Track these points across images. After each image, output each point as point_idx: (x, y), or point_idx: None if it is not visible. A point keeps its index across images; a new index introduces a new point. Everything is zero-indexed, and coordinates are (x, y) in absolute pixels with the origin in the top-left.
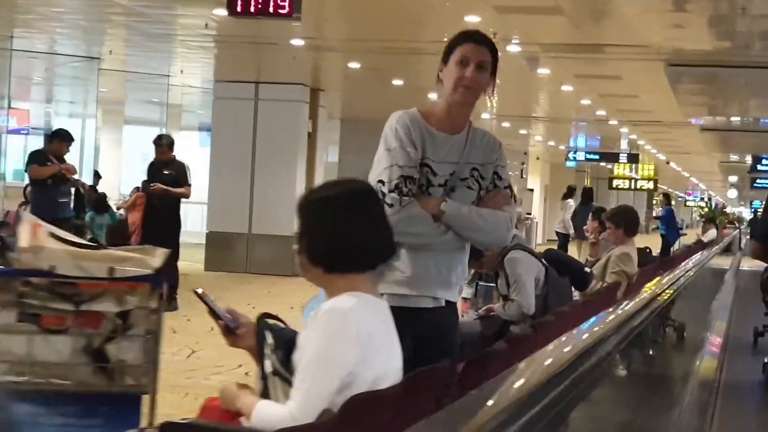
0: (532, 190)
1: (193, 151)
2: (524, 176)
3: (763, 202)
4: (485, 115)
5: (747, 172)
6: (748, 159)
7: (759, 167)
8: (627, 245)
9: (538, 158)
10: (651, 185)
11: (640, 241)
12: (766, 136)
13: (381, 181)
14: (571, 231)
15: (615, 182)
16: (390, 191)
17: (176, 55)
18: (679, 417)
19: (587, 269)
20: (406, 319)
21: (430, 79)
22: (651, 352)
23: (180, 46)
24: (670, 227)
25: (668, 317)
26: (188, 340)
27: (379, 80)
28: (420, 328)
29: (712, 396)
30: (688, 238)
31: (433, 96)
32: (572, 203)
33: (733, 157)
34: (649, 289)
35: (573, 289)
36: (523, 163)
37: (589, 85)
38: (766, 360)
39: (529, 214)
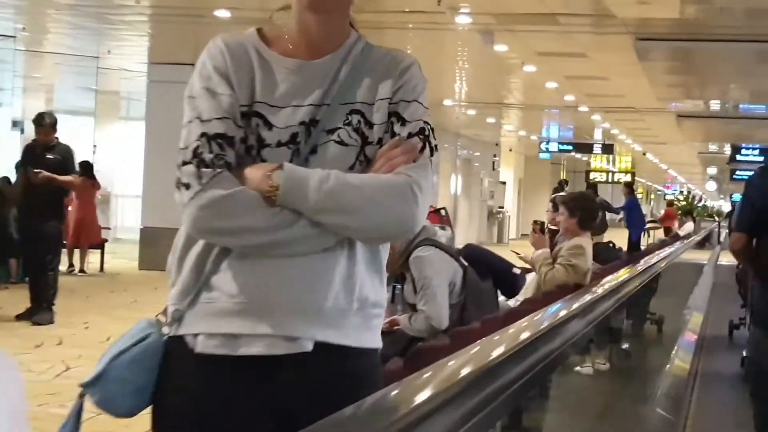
0: (504, 183)
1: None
2: (496, 168)
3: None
4: (447, 101)
5: (726, 163)
6: (728, 149)
7: (738, 157)
8: (582, 238)
9: (511, 150)
10: (629, 178)
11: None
12: (747, 124)
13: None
14: None
15: (592, 175)
16: (185, 162)
17: (104, 34)
18: (654, 411)
19: (516, 270)
20: (246, 379)
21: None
22: (626, 347)
23: (106, 24)
24: (633, 220)
25: (647, 311)
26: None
27: None
28: (280, 398)
29: (687, 389)
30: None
31: None
32: (562, 194)
33: (712, 147)
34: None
35: (500, 294)
36: (495, 155)
37: (552, 64)
38: (744, 354)
39: (502, 207)
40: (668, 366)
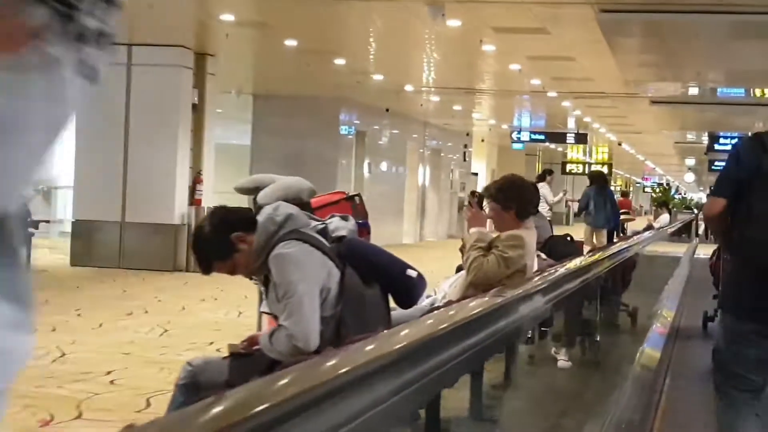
0: (476, 174)
1: None
2: (467, 159)
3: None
4: (408, 87)
5: (704, 153)
6: (705, 139)
7: (717, 147)
8: (525, 228)
9: (483, 140)
10: (605, 170)
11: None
12: (725, 110)
13: None
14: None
15: (568, 167)
16: None
17: None
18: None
19: (412, 272)
20: None
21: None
22: (597, 338)
23: None
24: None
25: (621, 302)
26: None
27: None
28: None
29: (658, 382)
30: (638, 224)
31: (378, 77)
32: (545, 187)
33: (689, 137)
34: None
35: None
36: (465, 146)
37: (512, 43)
38: (714, 346)
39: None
40: (639, 357)
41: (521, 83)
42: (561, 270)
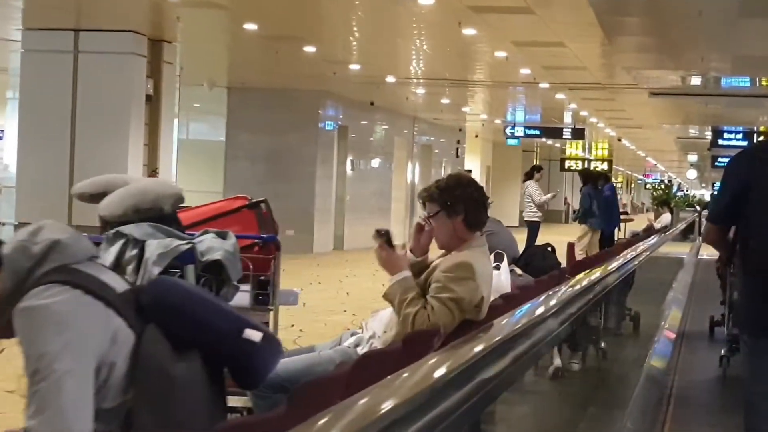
0: (470, 171)
1: None
2: (460, 156)
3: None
4: (390, 78)
5: (707, 149)
6: (708, 134)
7: (720, 142)
8: (473, 248)
9: (477, 136)
10: (606, 166)
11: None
12: (730, 103)
13: None
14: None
15: (567, 163)
16: None
17: None
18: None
19: (252, 335)
20: None
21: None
22: (603, 345)
23: None
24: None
25: (625, 307)
26: None
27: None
28: None
29: (665, 391)
30: (638, 224)
31: (355, 68)
32: (533, 185)
33: (692, 131)
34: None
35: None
36: (458, 141)
37: (495, 26)
38: (723, 352)
39: None
40: (644, 366)
41: (510, 73)
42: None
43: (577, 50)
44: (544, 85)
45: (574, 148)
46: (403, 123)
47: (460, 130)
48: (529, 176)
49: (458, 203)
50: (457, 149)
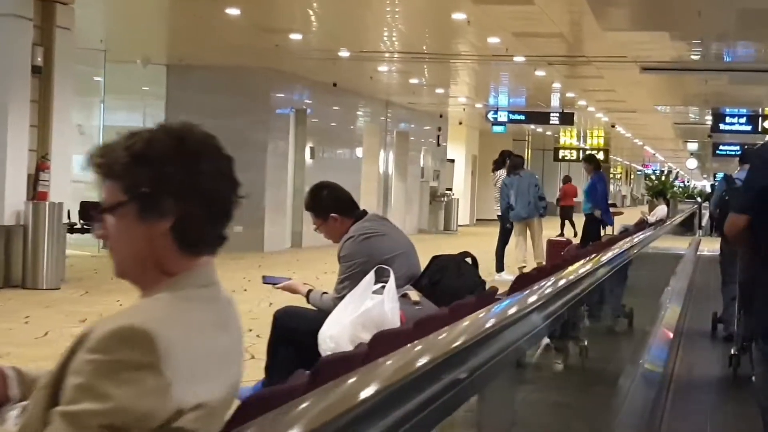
0: (453, 161)
1: None
2: (441, 144)
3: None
4: (344, 52)
5: (707, 135)
6: (709, 118)
7: (722, 126)
8: (177, 291)
9: (461, 123)
10: (602, 156)
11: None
12: (733, 79)
13: None
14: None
15: (561, 153)
16: None
17: None
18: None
19: None
20: None
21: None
22: (585, 343)
23: None
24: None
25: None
26: None
27: None
28: None
29: (662, 391)
30: (630, 217)
31: (295, 36)
32: (504, 174)
33: (691, 116)
34: None
35: None
36: (439, 129)
37: None
38: (733, 351)
39: (449, 190)
40: (639, 366)
41: (478, 44)
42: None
43: (551, 13)
44: (519, 58)
45: (568, 137)
46: (375, 107)
47: (441, 116)
48: (499, 165)
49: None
50: (438, 137)
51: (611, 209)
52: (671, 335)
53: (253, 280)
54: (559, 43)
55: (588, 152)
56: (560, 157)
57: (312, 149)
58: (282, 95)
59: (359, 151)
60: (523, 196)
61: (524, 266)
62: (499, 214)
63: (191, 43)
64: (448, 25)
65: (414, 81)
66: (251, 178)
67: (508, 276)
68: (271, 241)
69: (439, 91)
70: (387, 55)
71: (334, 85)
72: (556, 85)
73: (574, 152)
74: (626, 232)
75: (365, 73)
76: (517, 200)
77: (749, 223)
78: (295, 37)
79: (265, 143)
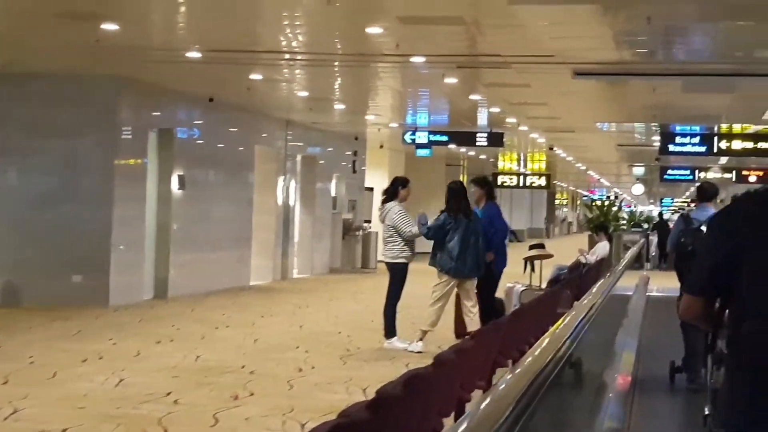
0: (371, 189)
1: None
2: (358, 170)
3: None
4: (194, 53)
5: (655, 158)
6: (657, 139)
7: (672, 147)
8: None
9: (381, 146)
10: (543, 182)
11: None
12: (688, 85)
13: None
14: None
15: (501, 179)
16: None
17: None
18: None
19: None
20: None
21: None
22: None
23: None
24: (494, 241)
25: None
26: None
27: None
28: None
29: None
30: (562, 254)
31: (110, 27)
32: (397, 209)
33: (637, 136)
34: None
35: None
36: (355, 152)
37: None
38: (706, 411)
39: (368, 222)
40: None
41: (355, 37)
42: None
43: None
44: (417, 59)
45: (508, 162)
46: (270, 127)
47: (356, 138)
48: (390, 195)
49: None
50: (354, 162)
51: (538, 250)
52: (627, 386)
53: (49, 358)
54: (462, 35)
55: (480, 175)
56: (500, 183)
57: (181, 177)
58: (138, 110)
59: (250, 179)
60: (468, 245)
61: (431, 331)
62: (390, 260)
63: (15, 46)
64: (320, 14)
65: (302, 93)
66: (96, 213)
67: (401, 344)
68: (120, 293)
69: (339, 107)
70: (254, 56)
71: (210, 100)
72: (475, 97)
73: (515, 178)
74: (556, 287)
75: (246, 83)
76: (461, 249)
77: (706, 309)
78: (110, 27)
79: (113, 169)
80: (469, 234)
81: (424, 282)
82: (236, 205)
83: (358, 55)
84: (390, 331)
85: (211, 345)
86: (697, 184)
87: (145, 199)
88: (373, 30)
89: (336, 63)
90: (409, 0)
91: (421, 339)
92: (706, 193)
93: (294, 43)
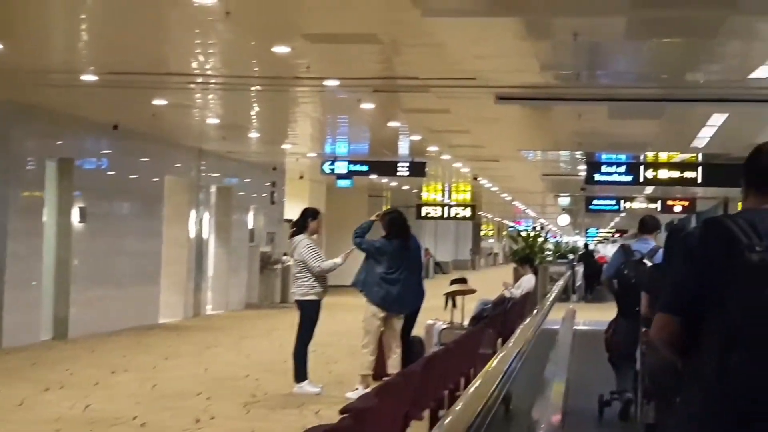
0: (290, 221)
1: None
2: (276, 201)
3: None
4: (90, 76)
5: (580, 188)
6: (582, 168)
7: (597, 177)
8: None
9: (302, 177)
10: (468, 213)
11: None
12: (614, 111)
13: None
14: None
15: (425, 210)
16: None
17: None
18: None
19: None
20: None
21: None
22: None
23: None
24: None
25: None
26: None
27: None
28: None
29: None
30: (488, 286)
31: None
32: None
33: (562, 165)
34: None
35: None
36: (273, 183)
37: None
38: None
39: (287, 255)
40: None
41: (262, 57)
42: None
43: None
44: (331, 82)
45: (432, 193)
46: (182, 156)
47: (274, 168)
48: (300, 227)
49: None
50: (272, 193)
51: (460, 285)
52: (556, 421)
53: None
54: (377, 55)
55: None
56: (423, 214)
57: (83, 210)
58: (34, 139)
59: (160, 211)
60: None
61: (371, 375)
62: (300, 297)
63: None
64: (217, 29)
65: (213, 120)
66: None
67: (312, 388)
68: (15, 333)
69: (254, 135)
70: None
71: (115, 127)
72: (394, 123)
73: (439, 209)
74: (478, 326)
75: (150, 109)
76: (394, 281)
77: (680, 330)
78: None
79: (7, 202)
80: (406, 264)
81: (342, 316)
82: (144, 239)
83: (268, 78)
84: (300, 374)
85: (103, 392)
86: (640, 219)
87: (43, 233)
88: (280, 49)
89: (247, 87)
90: (316, 16)
91: (367, 386)
92: (647, 225)
93: (197, 65)
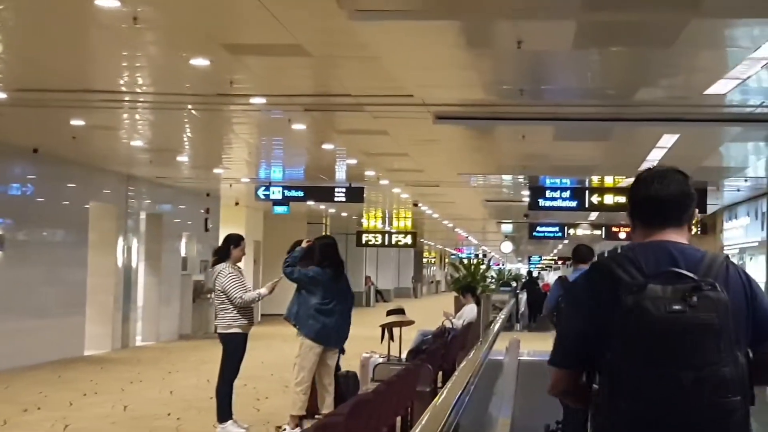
0: None
1: None
2: (210, 228)
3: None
4: None
5: (524, 215)
6: (526, 193)
7: (542, 203)
8: None
9: (237, 203)
10: (410, 240)
11: None
12: (560, 133)
13: None
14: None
15: (365, 237)
16: None
17: None
18: None
19: None
20: None
21: None
22: None
23: None
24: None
25: None
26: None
27: None
28: None
29: None
30: (429, 315)
31: None
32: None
33: (505, 190)
34: None
35: None
36: (207, 210)
37: None
38: None
39: None
40: None
41: (183, 71)
42: None
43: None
44: (258, 100)
45: (373, 220)
46: (108, 181)
47: (207, 194)
48: (222, 255)
49: None
50: (206, 220)
51: (397, 316)
52: None
53: None
54: (305, 69)
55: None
56: (364, 242)
57: (1, 237)
58: None
59: (84, 239)
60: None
61: (302, 414)
62: (223, 330)
63: None
64: (132, 41)
65: (136, 143)
66: None
67: (236, 428)
68: None
69: (182, 159)
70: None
71: (35, 151)
72: (328, 146)
73: (380, 236)
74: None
75: (69, 131)
76: (329, 312)
77: (575, 381)
78: None
79: None
80: (339, 296)
81: (279, 346)
82: (67, 267)
83: (191, 96)
84: (223, 414)
85: None
86: (574, 246)
87: None
88: (199, 62)
89: (172, 106)
90: (235, 23)
91: (295, 426)
92: (582, 254)
93: (114, 81)
